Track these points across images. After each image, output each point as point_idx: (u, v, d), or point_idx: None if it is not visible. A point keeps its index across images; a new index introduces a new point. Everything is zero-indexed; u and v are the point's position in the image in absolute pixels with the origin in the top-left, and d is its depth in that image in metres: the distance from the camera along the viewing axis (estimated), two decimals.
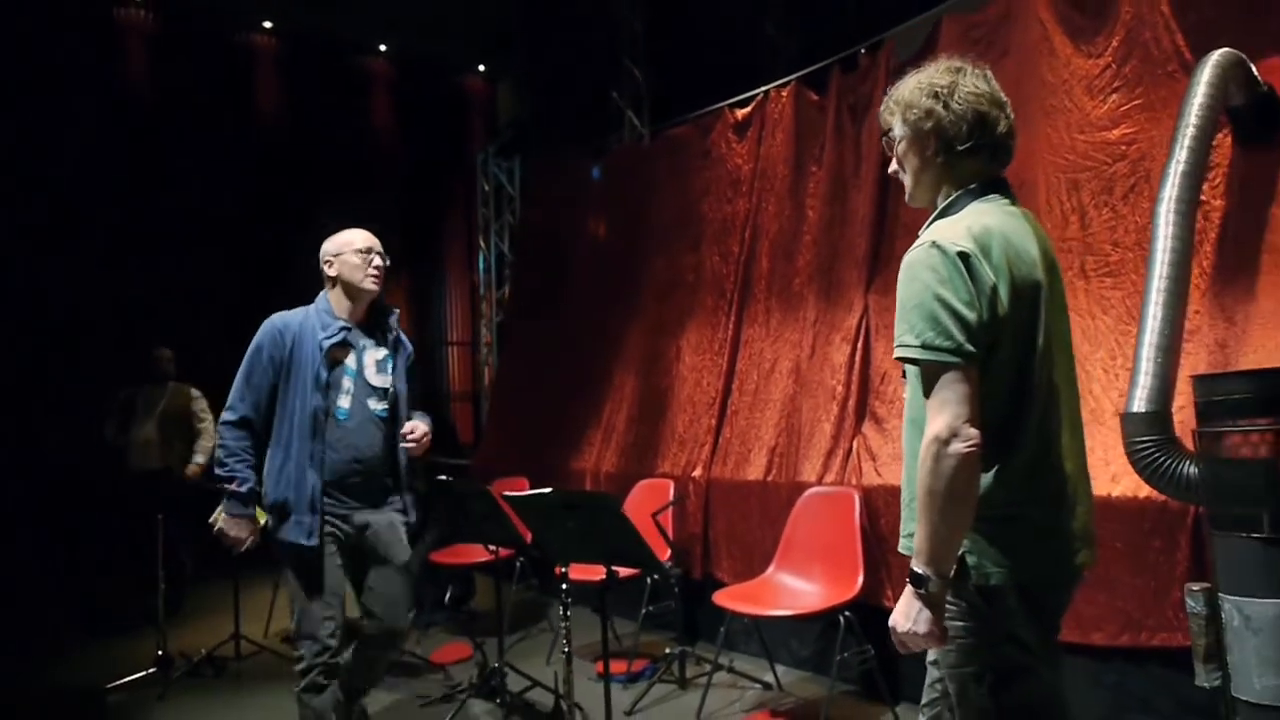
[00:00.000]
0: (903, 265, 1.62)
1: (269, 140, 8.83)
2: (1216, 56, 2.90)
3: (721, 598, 3.52)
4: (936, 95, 1.67)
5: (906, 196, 1.83)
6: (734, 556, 4.40)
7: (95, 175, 7.53)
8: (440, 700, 3.81)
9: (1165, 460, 2.40)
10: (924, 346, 1.52)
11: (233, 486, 2.74)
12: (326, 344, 2.78)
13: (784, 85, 4.85)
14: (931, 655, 1.68)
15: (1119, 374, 3.17)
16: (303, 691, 2.90)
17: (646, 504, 4.43)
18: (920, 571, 1.51)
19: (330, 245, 2.91)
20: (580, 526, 2.84)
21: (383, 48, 9.83)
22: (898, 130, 1.76)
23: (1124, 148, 3.34)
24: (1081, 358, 3.26)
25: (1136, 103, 3.34)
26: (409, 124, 9.82)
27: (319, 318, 2.84)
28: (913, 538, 1.57)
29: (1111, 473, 2.95)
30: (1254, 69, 2.97)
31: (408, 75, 9.95)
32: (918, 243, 1.62)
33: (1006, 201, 1.71)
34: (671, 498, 4.43)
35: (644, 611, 4.28)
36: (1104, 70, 3.45)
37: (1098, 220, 3.36)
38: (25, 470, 6.33)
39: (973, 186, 1.69)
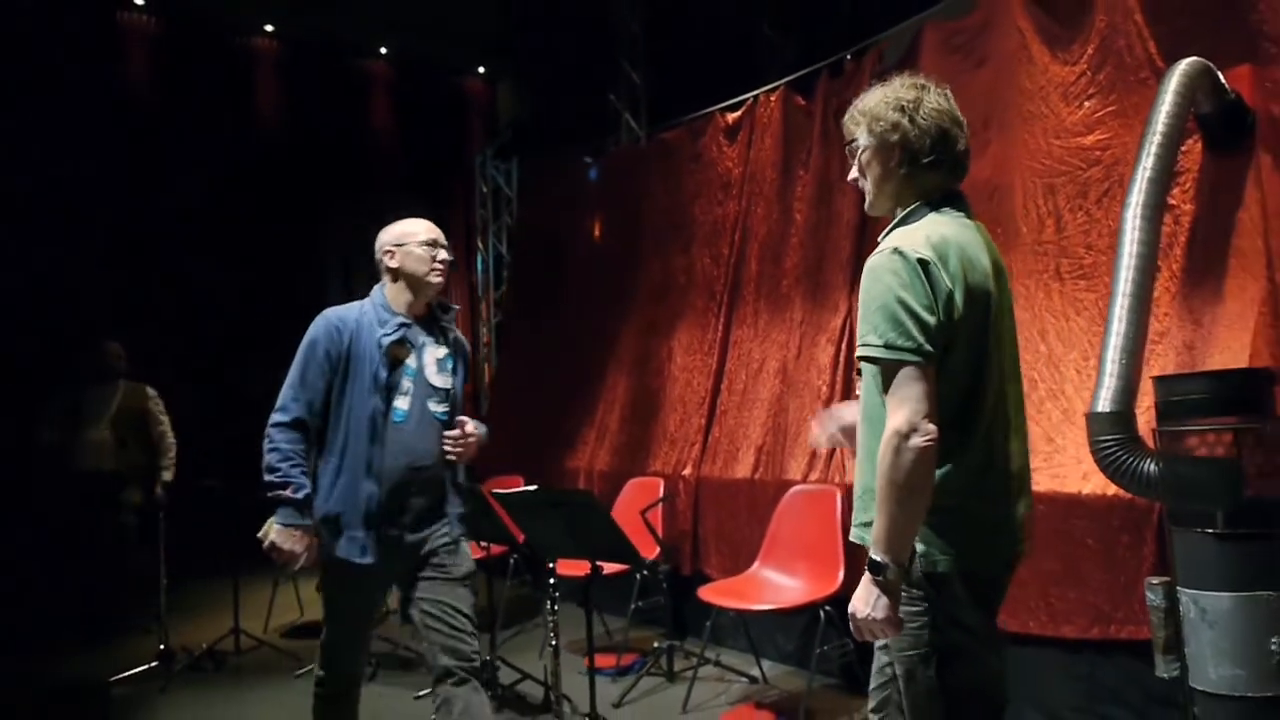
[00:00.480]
0: (866, 270, 1.71)
1: (270, 141, 8.93)
2: (1184, 65, 2.97)
3: (707, 593, 3.61)
4: (903, 109, 1.76)
5: (866, 205, 1.92)
6: (722, 553, 4.49)
7: (97, 175, 7.64)
8: (434, 693, 3.89)
9: (1127, 458, 2.48)
10: (886, 346, 1.60)
11: (287, 493, 2.43)
12: (386, 341, 2.55)
13: (772, 90, 4.94)
14: (880, 640, 1.76)
15: (1091, 374, 3.23)
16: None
17: (637, 502, 4.52)
18: (879, 559, 1.59)
19: (389, 236, 2.66)
20: (564, 523, 2.94)
21: (383, 50, 9.94)
22: (862, 140, 1.83)
23: (1098, 153, 3.42)
24: (1055, 358, 3.34)
25: (1110, 109, 3.42)
26: (409, 125, 9.90)
27: (376, 313, 2.59)
28: (867, 527, 1.66)
29: (1083, 470, 3.04)
30: (1222, 77, 3.04)
31: (408, 77, 10.04)
32: (879, 249, 1.71)
33: (962, 214, 1.80)
34: (661, 496, 4.51)
35: (633, 607, 4.37)
36: (1079, 77, 3.53)
37: (1072, 224, 3.44)
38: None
39: (932, 199, 1.78)
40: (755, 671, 3.97)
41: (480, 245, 8.26)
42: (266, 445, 2.47)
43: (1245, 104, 3.07)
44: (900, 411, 1.57)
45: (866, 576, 1.62)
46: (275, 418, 2.50)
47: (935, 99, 1.78)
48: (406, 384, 2.59)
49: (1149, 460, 2.46)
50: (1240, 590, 2.27)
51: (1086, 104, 3.49)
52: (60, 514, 5.26)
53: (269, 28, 9.19)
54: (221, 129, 8.53)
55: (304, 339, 2.58)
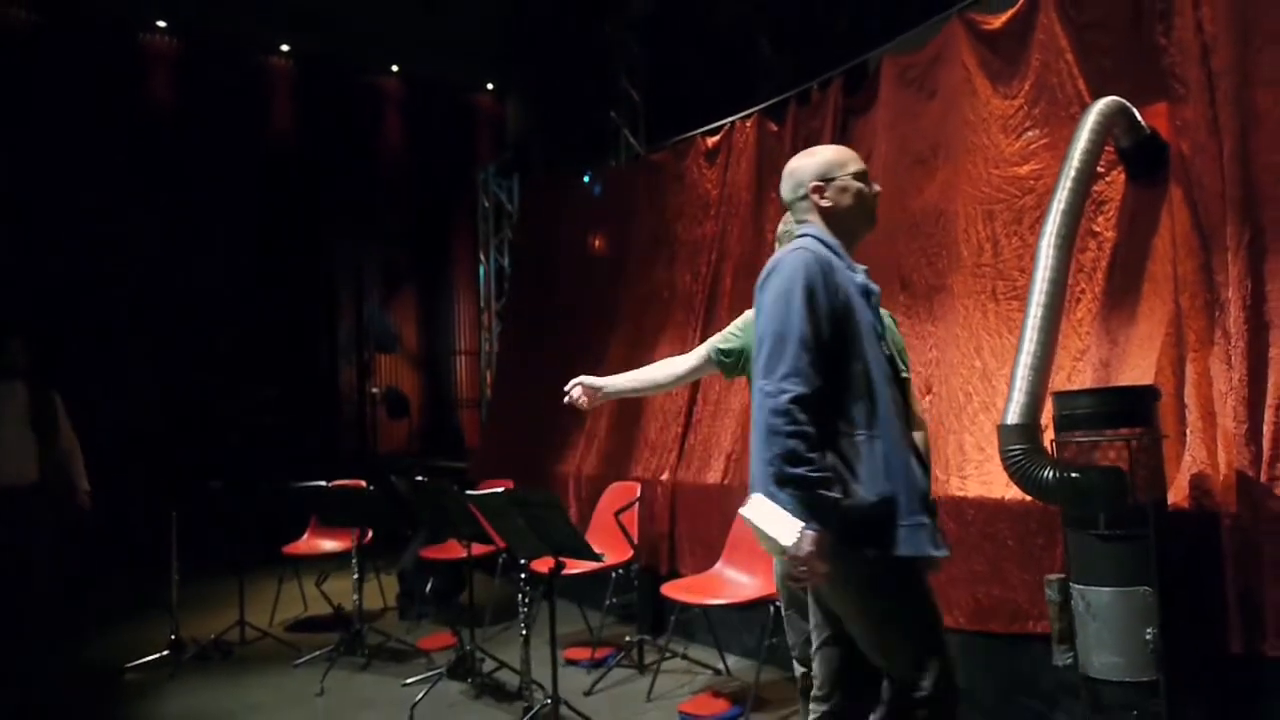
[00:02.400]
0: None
1: (284, 156, 9.34)
2: (1100, 104, 3.23)
3: (669, 589, 3.89)
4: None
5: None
6: (696, 554, 4.76)
7: (120, 191, 8.06)
8: (420, 681, 4.20)
9: (1030, 466, 2.74)
10: None
11: (833, 492, 1.89)
12: (873, 289, 2.12)
13: (748, 116, 5.22)
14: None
15: None
16: None
17: (616, 505, 4.80)
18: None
19: (816, 166, 2.17)
20: (529, 522, 3.23)
21: (394, 68, 10.33)
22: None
23: (1032, 182, 3.67)
24: (989, 373, 3.60)
25: (1044, 141, 3.67)
26: (420, 140, 10.31)
27: (835, 253, 2.09)
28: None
29: (1006, 478, 3.29)
30: (1138, 114, 3.30)
31: (418, 93, 10.45)
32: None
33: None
34: (635, 499, 4.79)
35: (608, 603, 4.65)
36: (1017, 111, 3.79)
37: (1008, 248, 3.69)
38: None
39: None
40: (720, 665, 4.24)
41: (482, 259, 8.59)
42: (788, 425, 1.85)
43: (1161, 139, 3.32)
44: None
45: None
46: (793, 388, 1.88)
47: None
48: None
49: (1048, 468, 2.72)
50: (1120, 585, 2.53)
51: (1023, 136, 3.75)
52: None
53: (284, 47, 9.60)
54: (238, 144, 8.96)
55: (782, 284, 1.99)
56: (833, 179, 2.17)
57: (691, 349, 5.20)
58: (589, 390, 2.89)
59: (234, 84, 9.09)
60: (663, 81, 7.08)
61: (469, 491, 3.34)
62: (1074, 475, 2.64)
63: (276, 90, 9.61)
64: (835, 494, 1.89)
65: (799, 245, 2.07)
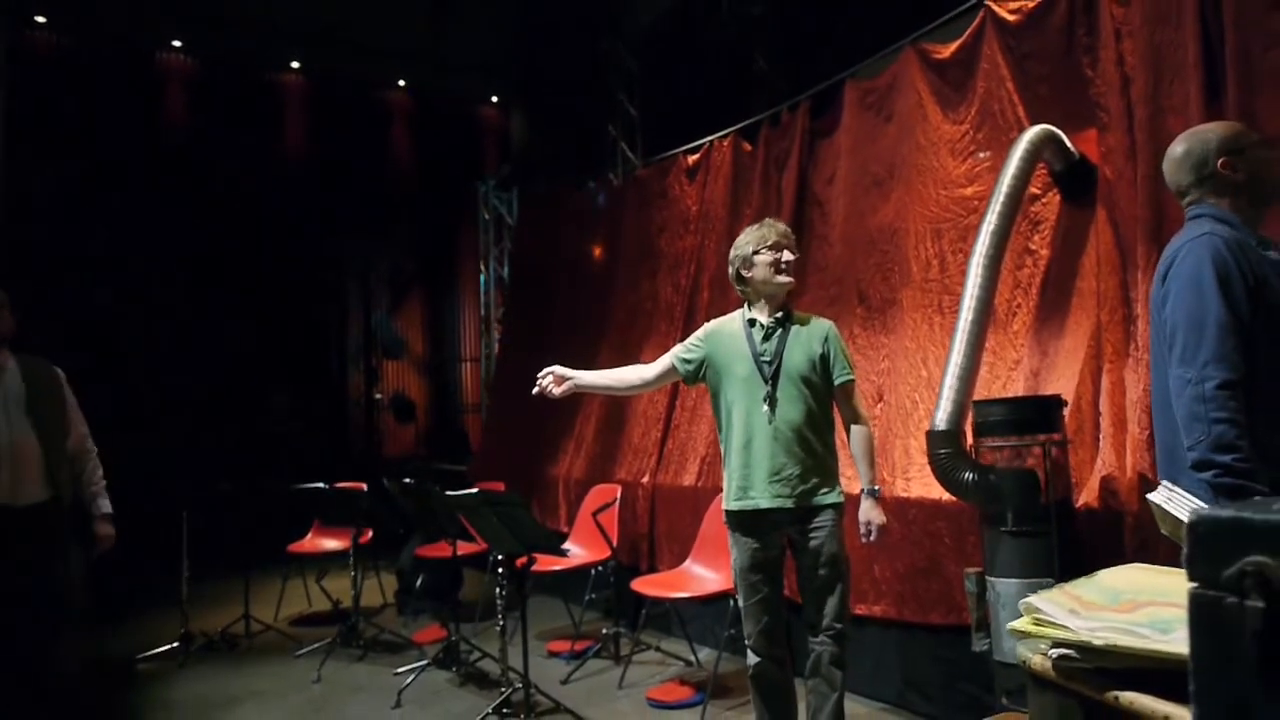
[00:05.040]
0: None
1: (296, 169, 9.69)
2: (1030, 133, 3.48)
3: (639, 584, 4.15)
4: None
5: None
6: (673, 553, 5.02)
7: (137, 202, 8.43)
8: (409, 670, 4.48)
9: (953, 469, 2.98)
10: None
11: (1259, 484, 1.72)
12: None
13: (725, 136, 5.48)
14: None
15: None
16: None
17: (596, 506, 5.06)
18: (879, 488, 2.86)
19: (1220, 139, 2.00)
20: (501, 520, 3.50)
21: (402, 82, 10.67)
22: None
23: (976, 202, 3.91)
24: (934, 382, 3.83)
25: (987, 164, 3.92)
26: (426, 152, 10.64)
27: (1239, 231, 1.92)
28: None
29: None
30: (1067, 140, 3.54)
31: (425, 106, 10.78)
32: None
33: None
34: (615, 501, 5.05)
35: (588, 599, 4.92)
36: (964, 135, 4.03)
37: (954, 265, 3.93)
38: None
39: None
40: (691, 656, 4.50)
41: (483, 269, 8.88)
42: (1216, 411, 1.74)
43: (1090, 163, 3.56)
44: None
45: (875, 502, 2.78)
46: (1220, 374, 1.77)
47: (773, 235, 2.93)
48: None
49: (968, 470, 2.97)
50: (1025, 577, 2.77)
51: (969, 159, 4.00)
52: None
53: (295, 64, 9.95)
54: (251, 156, 9.31)
55: (1191, 269, 1.86)
56: (1241, 150, 1.97)
57: None
58: (559, 379, 3.06)
59: (248, 99, 9.46)
60: (659, 96, 7.33)
61: (448, 492, 3.61)
62: (990, 477, 2.89)
63: (289, 105, 9.97)
64: (1261, 486, 1.71)
65: (1205, 231, 1.89)
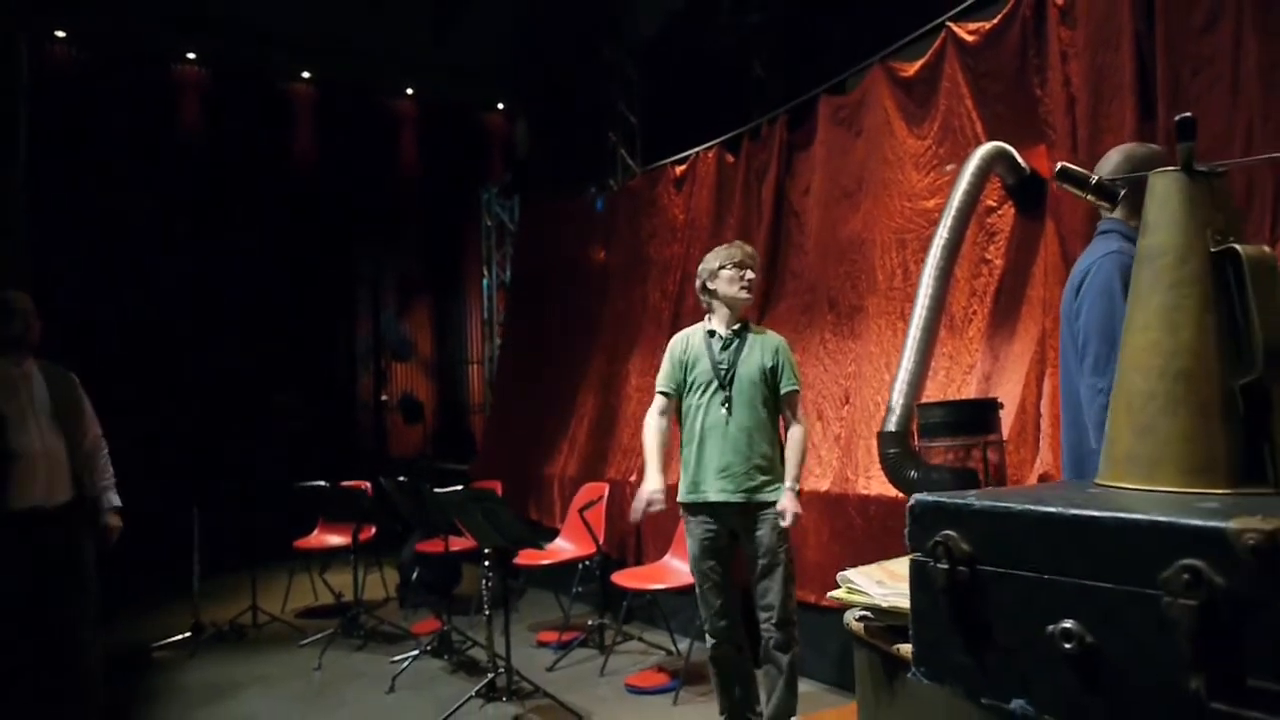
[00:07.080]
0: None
1: (306, 176, 9.99)
2: (981, 150, 3.68)
3: (619, 577, 4.39)
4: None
5: None
6: (659, 548, 5.23)
7: (153, 210, 8.74)
8: (405, 658, 4.72)
9: (900, 467, 3.20)
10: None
11: None
12: None
13: (710, 148, 5.70)
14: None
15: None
16: None
17: (585, 504, 5.30)
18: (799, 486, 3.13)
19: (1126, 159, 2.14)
20: (485, 516, 3.74)
21: (409, 91, 10.95)
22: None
23: (937, 214, 4.07)
24: None
25: (948, 178, 4.11)
26: (434, 158, 10.90)
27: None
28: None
29: None
30: (1018, 155, 3.74)
31: (432, 114, 11.05)
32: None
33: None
34: (601, 499, 5.28)
35: (575, 592, 5.15)
36: (927, 150, 4.23)
37: (916, 274, 4.10)
38: None
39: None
40: (672, 646, 4.73)
41: (485, 274, 9.14)
42: None
43: (1041, 177, 3.76)
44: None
45: (794, 495, 3.02)
46: None
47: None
48: None
49: (912, 469, 3.18)
50: None
51: (931, 173, 4.20)
52: None
53: (306, 74, 10.25)
54: (262, 164, 9.62)
55: (1104, 282, 2.00)
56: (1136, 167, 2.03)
57: (659, 359, 5.81)
58: (655, 497, 3.19)
59: (259, 109, 9.76)
60: (659, 104, 7.54)
61: (435, 490, 3.85)
62: (933, 475, 3.10)
63: (299, 114, 10.26)
64: None
65: (1114, 249, 2.00)
